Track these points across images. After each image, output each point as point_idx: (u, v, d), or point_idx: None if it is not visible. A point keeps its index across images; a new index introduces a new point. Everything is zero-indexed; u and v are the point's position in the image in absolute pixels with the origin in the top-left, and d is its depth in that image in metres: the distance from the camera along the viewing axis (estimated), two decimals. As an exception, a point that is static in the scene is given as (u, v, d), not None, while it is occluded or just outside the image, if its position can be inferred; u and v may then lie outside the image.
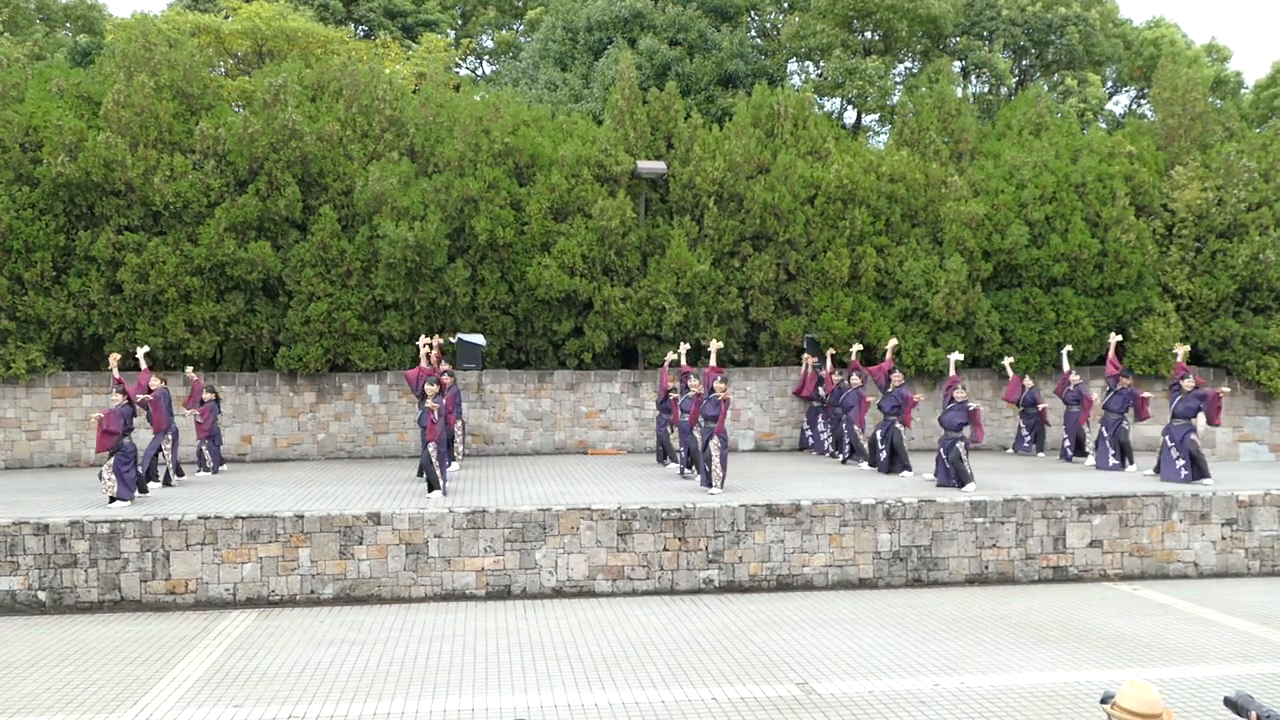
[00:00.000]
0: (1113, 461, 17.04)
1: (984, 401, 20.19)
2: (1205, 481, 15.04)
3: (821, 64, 30.70)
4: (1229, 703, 4.67)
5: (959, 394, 15.52)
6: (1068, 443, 18.26)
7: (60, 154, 17.67)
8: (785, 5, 33.04)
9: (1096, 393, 18.67)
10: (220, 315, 18.39)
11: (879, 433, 16.73)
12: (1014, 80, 33.42)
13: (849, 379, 17.99)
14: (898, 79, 32.03)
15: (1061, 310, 19.91)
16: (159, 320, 18.20)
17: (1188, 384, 15.60)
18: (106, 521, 12.33)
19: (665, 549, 13.07)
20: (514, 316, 19.65)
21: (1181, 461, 15.31)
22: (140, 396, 14.92)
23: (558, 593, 12.89)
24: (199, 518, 12.48)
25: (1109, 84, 35.16)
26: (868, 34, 31.30)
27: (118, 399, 13.76)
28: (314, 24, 29.40)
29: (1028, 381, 19.22)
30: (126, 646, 10.78)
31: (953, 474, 14.85)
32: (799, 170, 19.93)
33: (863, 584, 13.40)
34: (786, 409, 20.24)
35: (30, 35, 32.53)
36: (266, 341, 18.85)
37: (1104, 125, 31.06)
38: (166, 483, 15.29)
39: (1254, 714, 4.56)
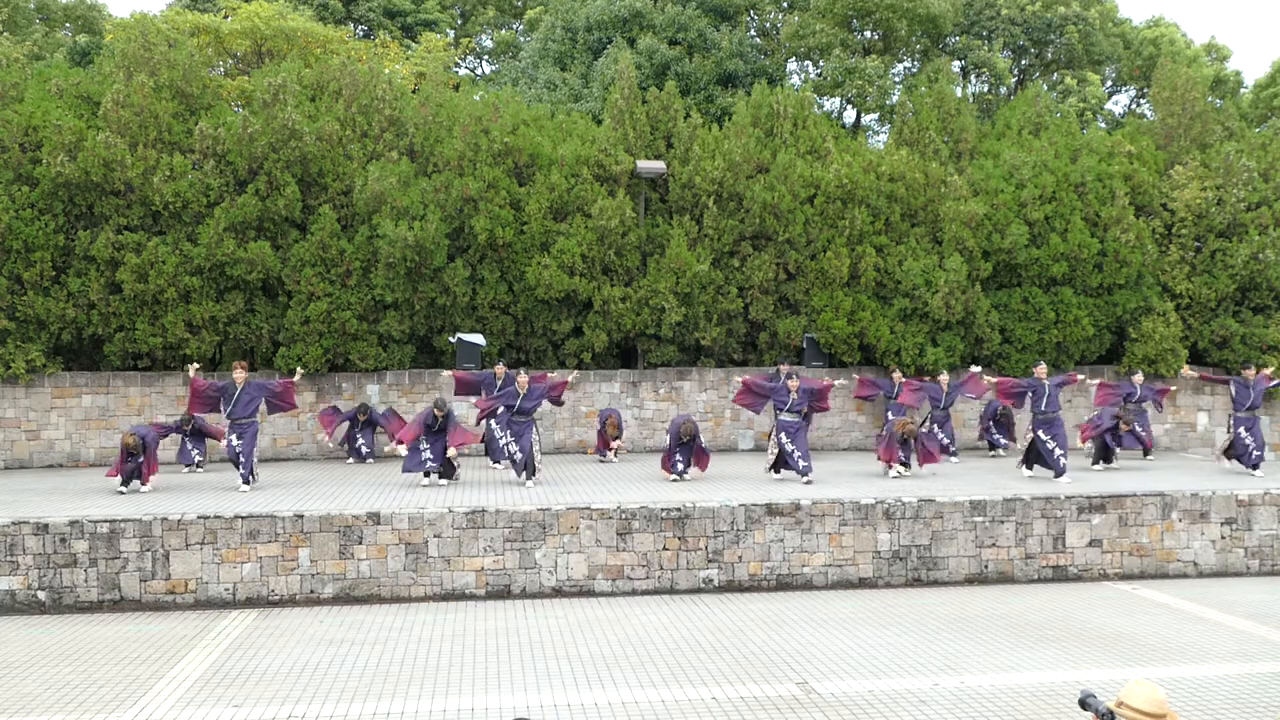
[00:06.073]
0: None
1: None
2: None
3: (821, 63, 30.70)
4: (1082, 703, 4.87)
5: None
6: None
7: (59, 154, 17.66)
8: (784, 4, 33.05)
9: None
10: (220, 315, 18.39)
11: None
12: (1013, 80, 33.44)
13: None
14: (897, 78, 32.05)
15: (1061, 310, 19.92)
16: (158, 320, 18.19)
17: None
18: (106, 521, 12.32)
19: (665, 548, 13.08)
20: (513, 316, 19.65)
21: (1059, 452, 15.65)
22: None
23: (557, 592, 12.89)
24: (198, 517, 12.48)
25: (1108, 83, 35.18)
26: (867, 33, 31.30)
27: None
28: (313, 24, 29.40)
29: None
30: (126, 646, 10.78)
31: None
32: (798, 170, 19.93)
33: (862, 583, 13.40)
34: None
35: (30, 35, 32.54)
36: (266, 341, 18.84)
37: (1103, 125, 31.08)
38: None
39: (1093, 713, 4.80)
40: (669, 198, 20.42)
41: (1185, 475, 16.15)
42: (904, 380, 18.50)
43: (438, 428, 15.07)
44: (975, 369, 18.48)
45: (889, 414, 18.46)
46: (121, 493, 14.28)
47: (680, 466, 15.60)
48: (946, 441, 18.05)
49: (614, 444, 17.83)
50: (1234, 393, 16.55)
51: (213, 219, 18.15)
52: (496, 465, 17.27)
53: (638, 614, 11.93)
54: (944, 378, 18.28)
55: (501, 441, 16.43)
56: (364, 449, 18.11)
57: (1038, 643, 10.76)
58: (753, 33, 33.26)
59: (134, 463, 14.46)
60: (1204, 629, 11.43)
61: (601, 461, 17.98)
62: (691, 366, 20.12)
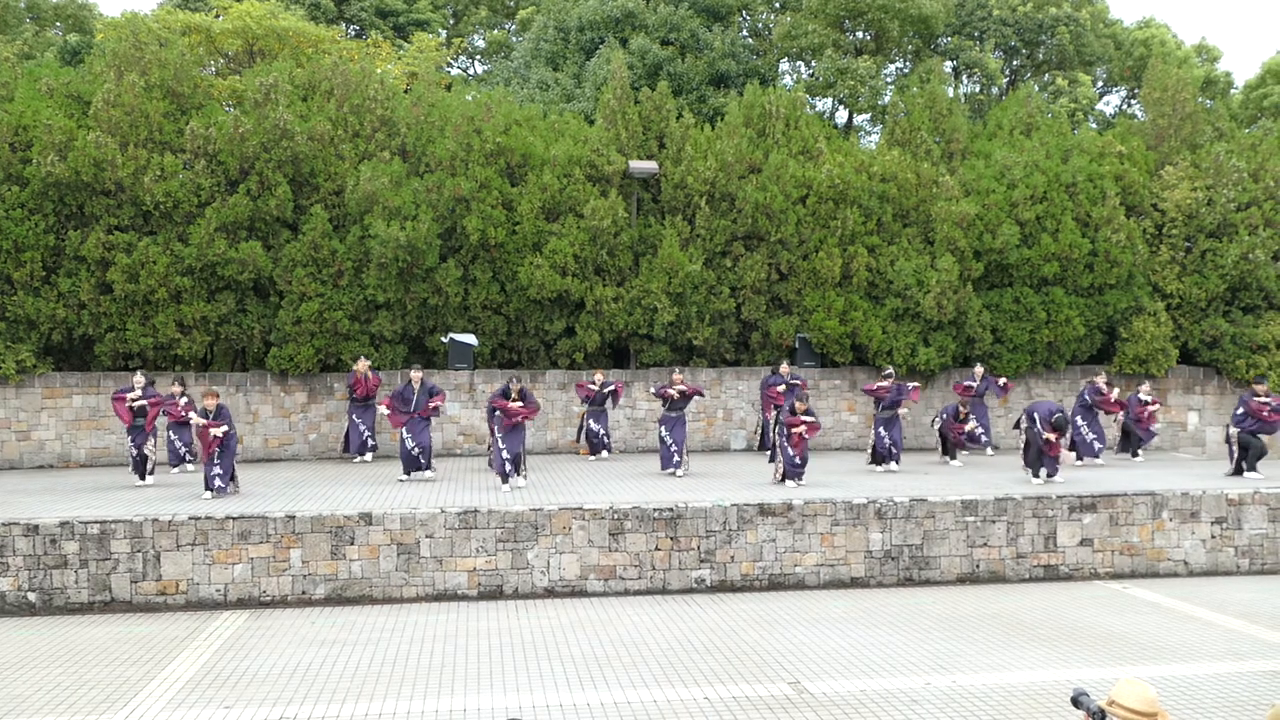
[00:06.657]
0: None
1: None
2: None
3: (813, 64, 30.74)
4: (1075, 701, 4.89)
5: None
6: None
7: (50, 153, 17.59)
8: (777, 5, 33.08)
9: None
10: (211, 315, 18.34)
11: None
12: (1005, 80, 33.53)
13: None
14: (889, 79, 32.11)
15: (1052, 310, 19.97)
16: (149, 320, 18.13)
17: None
18: (97, 522, 12.28)
19: (657, 548, 13.08)
20: (506, 316, 19.63)
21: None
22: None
23: (550, 592, 12.88)
24: (190, 518, 12.44)
25: (1099, 84, 35.29)
26: (859, 34, 31.35)
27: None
28: (305, 23, 29.32)
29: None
30: (117, 647, 10.75)
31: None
32: (791, 170, 19.95)
33: (854, 583, 13.42)
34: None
35: (20, 34, 32.40)
36: (258, 342, 18.80)
37: (1094, 125, 31.17)
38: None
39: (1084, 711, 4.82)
40: (661, 198, 20.43)
41: (1176, 474, 16.22)
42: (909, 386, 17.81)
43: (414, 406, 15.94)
44: (989, 381, 19.31)
45: (880, 429, 17.81)
46: (140, 485, 15.10)
47: (677, 459, 16.01)
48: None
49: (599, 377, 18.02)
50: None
51: (204, 219, 18.10)
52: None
53: (630, 614, 11.93)
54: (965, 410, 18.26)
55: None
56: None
57: (1029, 642, 10.79)
58: (745, 33, 33.30)
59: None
60: (1195, 628, 11.48)
61: (594, 455, 18.29)
62: (684, 366, 20.12)
